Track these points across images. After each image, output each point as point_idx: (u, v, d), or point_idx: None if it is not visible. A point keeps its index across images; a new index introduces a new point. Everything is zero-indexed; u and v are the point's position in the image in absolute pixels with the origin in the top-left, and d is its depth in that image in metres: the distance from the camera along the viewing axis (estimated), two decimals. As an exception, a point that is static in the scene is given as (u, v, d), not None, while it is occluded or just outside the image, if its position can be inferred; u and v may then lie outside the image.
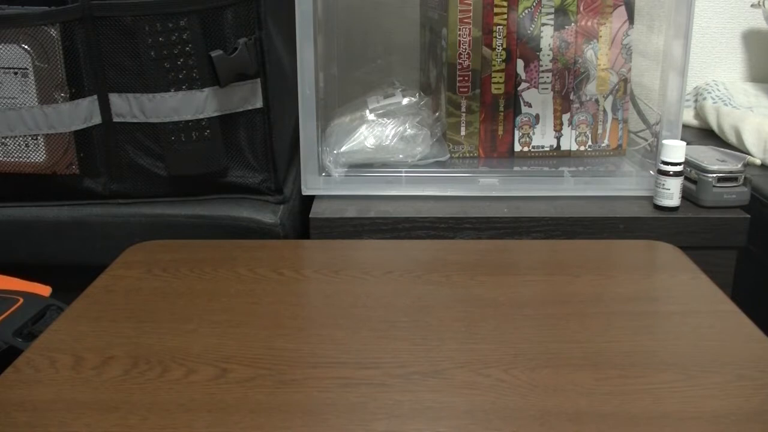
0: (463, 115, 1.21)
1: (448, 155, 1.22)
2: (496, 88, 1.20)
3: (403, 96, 1.21)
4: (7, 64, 0.97)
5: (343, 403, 0.59)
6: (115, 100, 1.01)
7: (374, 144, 1.16)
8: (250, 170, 1.06)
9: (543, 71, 1.19)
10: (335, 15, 1.42)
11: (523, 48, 1.18)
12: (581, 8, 1.17)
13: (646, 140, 1.25)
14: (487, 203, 1.10)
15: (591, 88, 1.21)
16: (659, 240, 1.00)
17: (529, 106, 1.21)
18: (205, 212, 1.03)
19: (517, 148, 1.23)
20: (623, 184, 1.13)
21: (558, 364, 0.64)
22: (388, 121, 1.18)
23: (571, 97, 1.21)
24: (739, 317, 0.73)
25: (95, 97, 1.00)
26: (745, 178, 1.07)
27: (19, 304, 0.84)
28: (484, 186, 1.14)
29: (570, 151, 1.23)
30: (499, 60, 1.18)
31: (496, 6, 1.16)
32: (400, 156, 1.17)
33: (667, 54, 1.11)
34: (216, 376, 0.63)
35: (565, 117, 1.22)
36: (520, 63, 1.19)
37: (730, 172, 1.07)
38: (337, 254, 0.88)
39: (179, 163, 1.03)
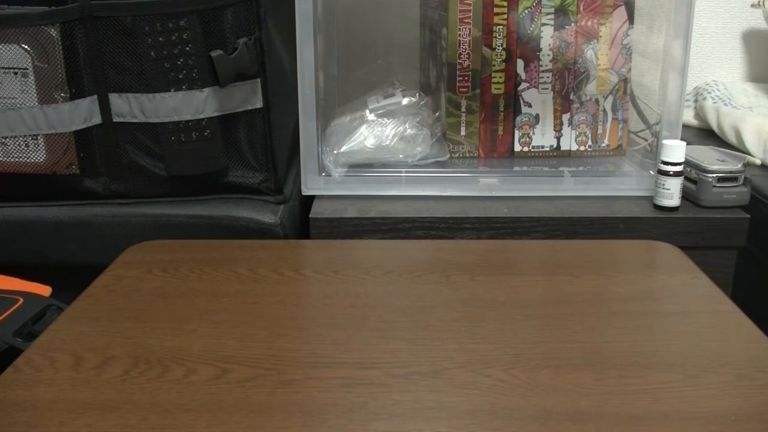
0: (463, 115, 1.21)
1: (448, 155, 1.22)
2: (496, 88, 1.20)
3: (403, 96, 1.21)
4: (7, 64, 0.97)
5: (343, 403, 0.59)
6: (115, 100, 1.01)
7: (374, 144, 1.16)
8: (250, 170, 1.06)
9: (543, 71, 1.19)
10: (335, 15, 1.42)
11: (523, 48, 1.18)
12: (581, 8, 1.17)
13: (646, 140, 1.25)
14: (487, 203, 1.10)
15: (591, 88, 1.21)
16: (659, 240, 1.00)
17: (529, 106, 1.21)
18: (205, 212, 1.03)
19: (517, 148, 1.23)
20: (623, 184, 1.13)
21: (558, 364, 0.64)
22: (388, 121, 1.18)
23: (571, 97, 1.21)
24: (739, 317, 0.73)
25: (95, 97, 1.00)
26: (745, 178, 1.07)
27: (19, 304, 0.84)
28: (484, 186, 1.14)
29: (570, 151, 1.23)
30: (499, 60, 1.18)
31: (496, 6, 1.16)
32: (400, 156, 1.17)
33: (667, 54, 1.11)
34: (216, 376, 0.63)
35: (565, 117, 1.22)
36: (520, 63, 1.19)
37: (730, 172, 1.07)
38: (337, 254, 0.88)
39: (179, 163, 1.03)
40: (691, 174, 1.09)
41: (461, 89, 1.19)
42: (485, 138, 1.22)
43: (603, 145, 1.24)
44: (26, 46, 0.97)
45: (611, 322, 0.72)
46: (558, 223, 1.06)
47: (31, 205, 1.04)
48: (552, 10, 1.17)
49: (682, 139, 1.08)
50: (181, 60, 0.99)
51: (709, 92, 1.41)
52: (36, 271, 0.96)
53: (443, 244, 0.91)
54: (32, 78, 0.98)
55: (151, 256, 0.87)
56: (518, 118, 1.21)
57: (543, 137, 1.23)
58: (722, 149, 1.15)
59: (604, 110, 1.22)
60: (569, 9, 1.17)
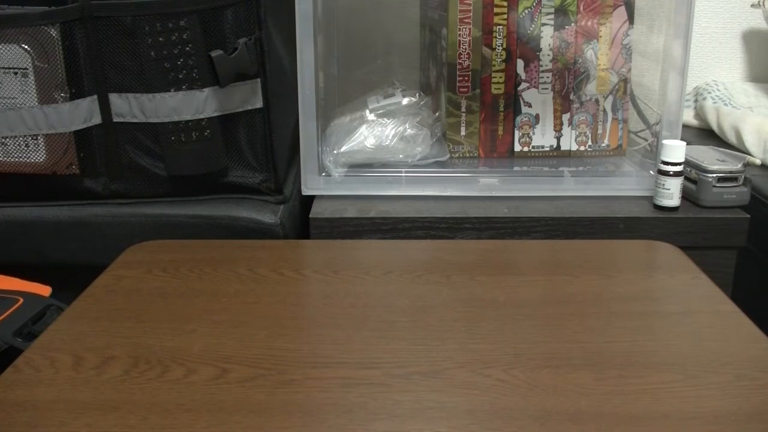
0: (463, 115, 1.21)
1: (448, 155, 1.22)
2: (496, 88, 1.20)
3: (403, 96, 1.21)
4: (7, 64, 0.97)
5: (343, 403, 0.59)
6: (115, 100, 1.01)
7: (374, 144, 1.17)
8: (250, 170, 1.06)
9: (543, 71, 1.19)
10: (335, 15, 1.42)
11: (523, 48, 1.18)
12: (581, 8, 1.17)
13: (646, 140, 1.25)
14: (487, 203, 1.10)
15: (591, 88, 1.21)
16: (659, 240, 1.00)
17: (529, 106, 1.21)
18: (205, 212, 1.03)
19: (517, 148, 1.23)
20: (623, 184, 1.13)
21: (558, 364, 0.64)
22: (388, 121, 1.18)
23: (571, 97, 1.21)
24: (739, 317, 0.73)
25: (95, 97, 1.00)
26: (745, 178, 1.07)
27: (19, 304, 0.84)
28: (484, 186, 1.14)
29: (570, 151, 1.23)
30: (499, 60, 1.18)
31: (496, 6, 1.16)
32: (400, 156, 1.17)
33: (667, 54, 1.11)
34: (216, 376, 0.63)
35: (565, 117, 1.22)
36: (520, 63, 1.19)
37: (730, 172, 1.07)
38: (337, 254, 0.88)
39: (179, 163, 1.03)
40: (691, 174, 1.09)
41: (461, 89, 1.19)
42: (485, 138, 1.22)
43: (603, 145, 1.24)
44: (26, 46, 0.97)
45: (611, 322, 0.72)
46: (558, 223, 1.06)
47: (31, 205, 1.04)
48: (552, 10, 1.17)
49: (682, 139, 1.08)
50: (181, 60, 0.99)
51: (709, 92, 1.41)
52: (36, 271, 0.96)
53: (443, 244, 0.91)
54: (32, 78, 0.98)
55: (151, 256, 0.87)
56: (518, 118, 1.21)
57: (543, 137, 1.23)
58: (722, 149, 1.15)
59: (604, 110, 1.22)
60: (569, 9, 1.17)
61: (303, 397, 0.60)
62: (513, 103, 1.21)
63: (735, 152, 1.13)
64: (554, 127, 1.22)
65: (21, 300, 0.85)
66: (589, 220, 1.06)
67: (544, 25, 1.17)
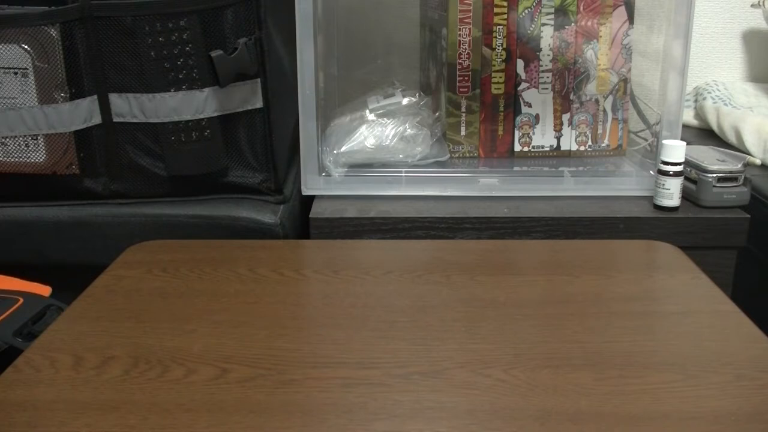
0: (463, 115, 1.21)
1: (448, 155, 1.22)
2: (496, 88, 1.20)
3: (403, 96, 1.21)
4: (7, 64, 0.97)
5: (343, 403, 0.59)
6: (115, 100, 1.01)
7: (374, 144, 1.17)
8: (250, 170, 1.06)
9: (543, 71, 1.19)
10: (335, 15, 1.42)
11: (523, 48, 1.18)
12: (581, 8, 1.17)
13: (646, 140, 1.25)
14: (487, 203, 1.10)
15: (591, 88, 1.21)
16: (659, 240, 1.00)
17: (529, 106, 1.21)
18: (205, 212, 1.03)
19: (517, 148, 1.23)
20: (623, 184, 1.13)
21: (558, 364, 0.64)
22: (388, 121, 1.18)
23: (571, 97, 1.21)
24: (739, 317, 0.73)
25: (95, 97, 1.00)
26: (745, 178, 1.07)
27: (19, 304, 0.84)
28: (484, 186, 1.14)
29: (570, 151, 1.23)
30: (499, 60, 1.18)
31: (496, 6, 1.16)
32: (400, 156, 1.17)
33: (667, 54, 1.11)
34: (216, 376, 0.63)
35: (565, 117, 1.22)
36: (520, 63, 1.19)
37: (730, 172, 1.07)
38: (337, 254, 0.88)
39: (179, 163, 1.03)
40: (691, 174, 1.09)
41: (461, 89, 1.19)
42: (485, 138, 1.22)
43: (603, 145, 1.24)
44: (26, 46, 0.97)
45: (611, 322, 0.72)
46: (558, 223, 1.06)
47: (31, 205, 1.04)
48: (552, 10, 1.17)
49: (682, 139, 1.08)
50: (181, 60, 0.99)
51: (709, 92, 1.41)
52: (36, 271, 0.96)
53: (443, 244, 0.91)
54: (32, 78, 0.98)
55: (151, 256, 0.87)
56: (518, 118, 1.21)
57: (543, 137, 1.23)
58: (722, 149, 1.15)
59: (604, 110, 1.22)
60: (569, 9, 1.17)
61: (303, 397, 0.60)
62: (513, 103, 1.21)
63: (735, 152, 1.13)
64: (554, 127, 1.22)
65: (21, 300, 0.85)
66: (589, 220, 1.06)
67: (544, 25, 1.17)
